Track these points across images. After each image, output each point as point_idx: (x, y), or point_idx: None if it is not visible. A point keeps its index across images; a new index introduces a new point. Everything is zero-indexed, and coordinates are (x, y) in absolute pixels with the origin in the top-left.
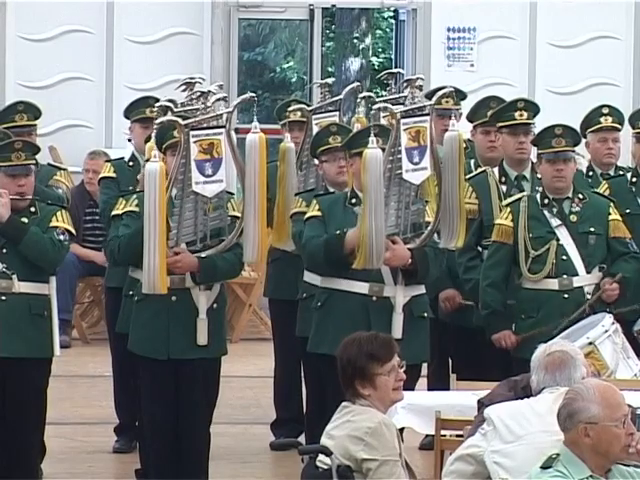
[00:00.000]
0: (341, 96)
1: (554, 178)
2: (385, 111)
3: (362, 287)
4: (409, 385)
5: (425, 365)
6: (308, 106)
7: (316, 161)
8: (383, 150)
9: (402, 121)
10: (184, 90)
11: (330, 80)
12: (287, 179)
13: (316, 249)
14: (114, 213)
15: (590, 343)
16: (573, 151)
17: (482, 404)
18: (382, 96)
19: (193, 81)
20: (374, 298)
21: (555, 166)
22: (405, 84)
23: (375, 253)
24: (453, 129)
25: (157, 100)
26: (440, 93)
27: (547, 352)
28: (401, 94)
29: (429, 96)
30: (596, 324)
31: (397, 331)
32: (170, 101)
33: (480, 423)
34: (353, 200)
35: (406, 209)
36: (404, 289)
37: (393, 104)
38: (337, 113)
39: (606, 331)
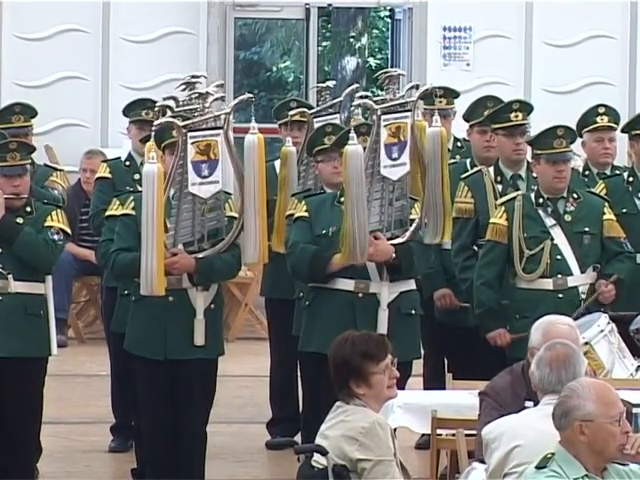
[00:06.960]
0: (341, 98)
1: (555, 179)
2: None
3: (348, 284)
4: (400, 384)
5: (420, 364)
6: (309, 108)
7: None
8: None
9: (383, 117)
10: (184, 90)
11: (331, 83)
12: (288, 183)
13: (301, 263)
14: (109, 214)
15: (586, 343)
16: (571, 151)
17: (484, 394)
18: (378, 96)
19: (193, 81)
20: (360, 295)
21: (556, 167)
22: (387, 80)
23: (359, 248)
24: (435, 125)
25: (154, 103)
26: (423, 89)
27: (548, 345)
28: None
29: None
30: (592, 324)
31: (382, 327)
32: (172, 98)
33: (485, 414)
34: (342, 199)
35: (390, 205)
36: (390, 285)
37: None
38: (337, 115)
39: (602, 331)
